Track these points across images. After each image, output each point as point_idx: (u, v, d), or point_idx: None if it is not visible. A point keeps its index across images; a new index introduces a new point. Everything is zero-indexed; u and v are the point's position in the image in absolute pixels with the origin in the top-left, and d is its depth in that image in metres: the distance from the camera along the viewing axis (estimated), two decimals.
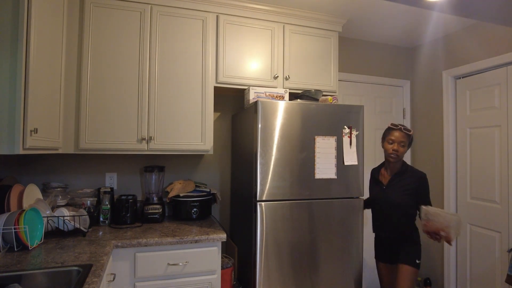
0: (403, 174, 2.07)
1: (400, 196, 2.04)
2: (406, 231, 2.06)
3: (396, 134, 2.04)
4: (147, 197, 2.36)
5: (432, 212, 1.90)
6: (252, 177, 2.03)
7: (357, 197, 2.15)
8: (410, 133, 2.05)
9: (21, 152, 1.38)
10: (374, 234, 2.24)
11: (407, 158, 3.34)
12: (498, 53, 2.53)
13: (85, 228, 1.91)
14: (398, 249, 2.07)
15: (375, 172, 2.23)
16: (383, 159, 3.41)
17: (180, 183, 2.37)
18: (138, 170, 2.49)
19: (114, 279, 1.73)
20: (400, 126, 2.06)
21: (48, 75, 1.68)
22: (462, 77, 2.86)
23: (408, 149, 2.08)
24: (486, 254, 2.60)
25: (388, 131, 2.10)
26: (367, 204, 2.30)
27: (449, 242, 1.88)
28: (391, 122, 2.13)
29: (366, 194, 2.54)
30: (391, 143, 2.05)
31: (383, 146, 2.14)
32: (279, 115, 2.00)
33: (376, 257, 2.23)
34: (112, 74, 2.10)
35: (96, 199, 2.22)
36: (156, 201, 2.33)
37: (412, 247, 2.05)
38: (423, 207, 1.91)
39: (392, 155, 2.04)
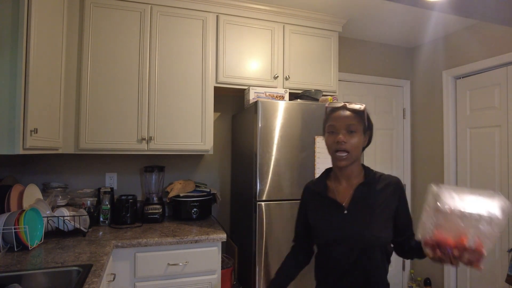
0: (375, 184, 1.16)
1: (379, 224, 1.12)
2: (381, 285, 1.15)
3: (338, 115, 1.15)
4: (147, 197, 2.35)
5: (448, 195, 0.92)
6: (252, 177, 2.03)
7: None
8: (362, 108, 1.16)
9: (21, 152, 1.38)
10: None
11: (407, 159, 3.34)
12: (498, 53, 2.53)
13: (85, 228, 1.91)
14: None
15: (318, 188, 1.23)
16: (383, 159, 3.37)
17: (180, 183, 2.37)
18: (138, 170, 2.49)
19: (114, 279, 1.73)
20: (344, 103, 1.17)
21: (48, 75, 1.68)
22: (462, 77, 2.86)
23: (368, 138, 1.21)
24: (486, 254, 2.60)
25: (327, 115, 1.20)
26: (284, 270, 1.30)
27: (476, 263, 0.90)
28: (328, 102, 1.14)
29: None
30: (332, 133, 1.15)
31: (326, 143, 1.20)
32: (279, 115, 2.00)
33: None
34: (112, 74, 2.09)
35: (96, 199, 2.22)
36: (156, 201, 2.33)
37: None
38: (432, 186, 0.97)
39: (340, 153, 1.12)
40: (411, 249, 1.14)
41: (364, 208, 1.13)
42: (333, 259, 1.16)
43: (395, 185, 1.17)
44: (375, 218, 1.12)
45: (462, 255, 0.89)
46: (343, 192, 1.18)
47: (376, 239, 1.10)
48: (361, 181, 1.17)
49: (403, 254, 1.21)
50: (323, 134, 1.22)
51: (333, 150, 1.14)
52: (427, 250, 0.94)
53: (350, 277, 1.13)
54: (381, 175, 1.20)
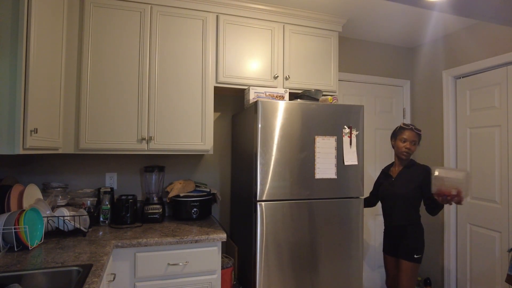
0: (411, 168, 2.25)
1: (406, 187, 2.19)
2: (410, 221, 2.19)
3: (408, 134, 2.21)
4: (147, 197, 2.36)
5: (443, 170, 1.97)
6: (252, 177, 2.03)
7: (357, 197, 2.15)
8: (420, 132, 2.24)
9: (21, 152, 1.38)
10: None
11: None
12: (498, 53, 2.53)
13: (85, 228, 1.91)
14: (400, 242, 2.20)
15: (386, 169, 2.41)
16: (383, 159, 3.40)
17: (180, 183, 2.37)
18: (138, 170, 2.49)
19: (114, 279, 1.73)
20: (411, 126, 2.23)
21: (48, 75, 1.68)
22: (462, 77, 2.86)
23: (417, 147, 2.27)
24: (486, 254, 2.60)
25: (400, 130, 2.26)
26: (367, 202, 2.45)
27: (460, 201, 1.91)
28: (402, 122, 2.35)
29: (366, 194, 2.58)
30: (404, 142, 2.22)
31: (393, 144, 2.31)
32: (279, 115, 2.00)
33: (383, 249, 2.38)
34: (112, 74, 2.10)
35: (96, 199, 2.22)
36: (156, 201, 2.33)
37: (412, 241, 2.17)
38: (434, 167, 2.03)
39: (405, 153, 2.22)
40: (429, 204, 2.12)
41: (403, 179, 2.24)
42: (386, 203, 2.31)
43: (422, 169, 2.21)
44: (406, 183, 2.21)
45: (451, 196, 1.93)
46: (395, 171, 2.31)
47: (404, 193, 2.20)
48: (406, 165, 2.27)
49: (429, 210, 2.13)
50: (394, 139, 2.31)
51: (402, 150, 2.23)
52: (436, 197, 1.99)
53: (393, 211, 2.25)
54: (417, 163, 2.27)
